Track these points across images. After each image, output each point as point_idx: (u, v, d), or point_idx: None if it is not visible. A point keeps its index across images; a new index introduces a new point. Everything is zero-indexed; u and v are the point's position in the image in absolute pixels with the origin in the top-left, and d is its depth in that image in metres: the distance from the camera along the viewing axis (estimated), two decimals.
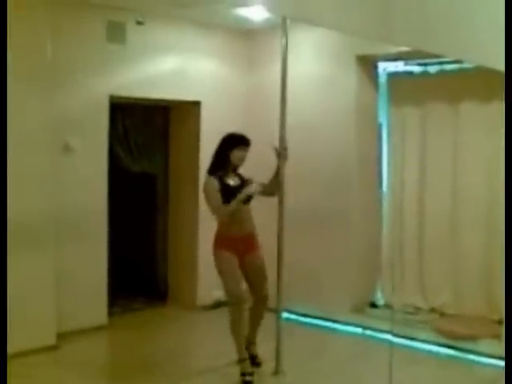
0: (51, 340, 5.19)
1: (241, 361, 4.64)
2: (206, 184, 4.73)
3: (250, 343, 4.87)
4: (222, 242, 4.70)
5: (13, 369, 4.49)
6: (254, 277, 4.78)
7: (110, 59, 5.78)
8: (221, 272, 4.68)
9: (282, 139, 4.75)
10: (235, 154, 4.71)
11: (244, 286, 4.75)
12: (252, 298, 4.85)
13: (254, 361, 4.85)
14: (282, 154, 4.74)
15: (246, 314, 4.79)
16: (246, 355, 4.69)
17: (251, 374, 4.60)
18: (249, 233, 4.77)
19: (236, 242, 4.68)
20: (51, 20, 5.10)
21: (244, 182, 4.76)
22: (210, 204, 4.70)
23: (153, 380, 4.70)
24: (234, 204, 4.58)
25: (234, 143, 4.72)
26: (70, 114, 5.52)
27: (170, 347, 5.44)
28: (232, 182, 4.73)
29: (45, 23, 5.07)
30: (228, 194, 4.62)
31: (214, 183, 4.65)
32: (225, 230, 4.70)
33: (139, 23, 5.84)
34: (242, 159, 4.76)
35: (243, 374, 4.60)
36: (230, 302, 4.68)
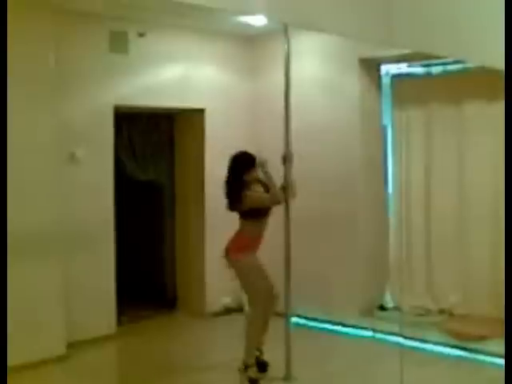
0: (61, 350, 5.21)
1: (248, 367, 4.66)
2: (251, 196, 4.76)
3: (258, 349, 4.86)
4: (248, 245, 4.75)
5: (23, 379, 4.54)
6: (266, 275, 4.83)
7: (113, 69, 5.81)
8: (254, 274, 4.72)
9: (287, 145, 4.75)
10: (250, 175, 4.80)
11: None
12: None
13: (264, 367, 4.86)
14: (287, 159, 4.75)
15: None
16: (254, 361, 4.72)
17: (260, 379, 4.65)
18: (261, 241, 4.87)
19: (257, 247, 4.79)
20: (54, 30, 5.14)
21: (266, 186, 4.82)
22: (261, 199, 4.77)
23: None
24: (274, 186, 4.71)
25: (246, 162, 4.79)
26: (75, 124, 5.56)
27: (179, 355, 5.45)
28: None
29: (48, 34, 5.10)
30: (259, 209, 4.73)
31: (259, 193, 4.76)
32: (252, 234, 4.78)
33: (141, 35, 5.88)
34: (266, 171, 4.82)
35: (252, 381, 4.61)
36: (258, 301, 4.71)
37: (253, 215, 4.74)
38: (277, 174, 4.77)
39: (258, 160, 4.77)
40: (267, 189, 4.79)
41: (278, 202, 4.76)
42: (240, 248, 4.74)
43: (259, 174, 4.78)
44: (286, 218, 4.78)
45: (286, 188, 4.74)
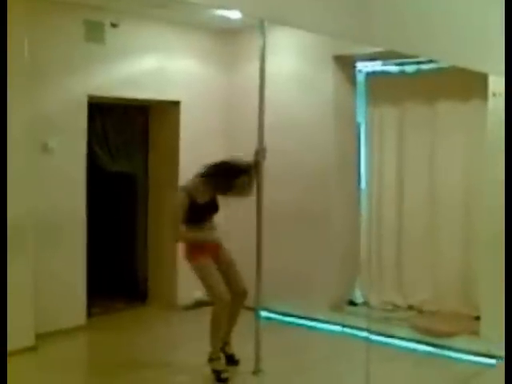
0: (30, 341, 5.16)
1: (213, 359, 4.69)
2: (176, 200, 4.73)
3: (225, 343, 4.87)
4: (195, 249, 4.74)
5: None
6: (230, 272, 4.82)
7: (88, 59, 5.76)
8: (202, 278, 4.72)
9: (260, 139, 4.76)
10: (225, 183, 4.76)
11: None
12: (230, 294, 4.85)
13: (232, 359, 4.88)
14: (260, 154, 4.75)
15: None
16: (219, 354, 4.74)
17: (227, 371, 4.67)
18: (217, 238, 4.84)
19: (210, 247, 4.75)
20: (28, 18, 5.07)
21: (216, 196, 4.80)
22: (171, 221, 4.76)
23: (132, 379, 4.69)
24: (189, 237, 4.73)
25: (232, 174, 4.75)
26: (48, 113, 5.50)
27: (149, 347, 5.44)
28: (201, 199, 4.70)
29: (21, 21, 5.01)
30: (200, 213, 4.70)
31: (182, 201, 4.65)
32: (199, 237, 4.75)
33: (114, 26, 5.83)
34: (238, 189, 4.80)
35: (218, 372, 4.63)
36: (215, 303, 4.71)
37: (191, 219, 4.68)
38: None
39: (257, 148, 4.71)
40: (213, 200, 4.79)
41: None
42: (189, 249, 4.77)
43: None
44: (258, 212, 4.79)
45: (254, 179, 4.74)
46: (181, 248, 4.96)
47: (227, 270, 4.81)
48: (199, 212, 4.69)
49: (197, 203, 4.67)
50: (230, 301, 4.66)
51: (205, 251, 4.71)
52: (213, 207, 4.82)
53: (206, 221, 4.79)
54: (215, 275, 4.70)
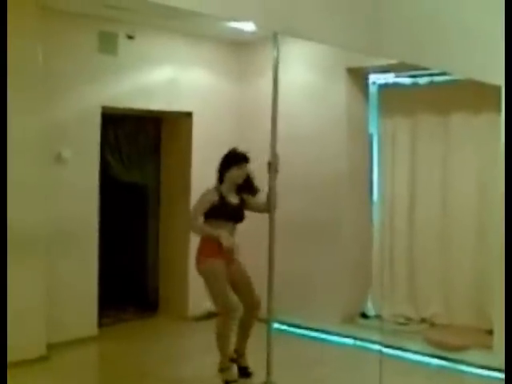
0: (41, 351, 5.17)
1: (223, 369, 4.68)
2: (203, 193, 4.75)
3: (239, 355, 4.87)
4: (210, 249, 4.66)
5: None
6: (243, 284, 4.79)
7: (101, 70, 5.80)
8: (211, 281, 4.65)
9: (273, 152, 4.74)
10: (233, 173, 4.77)
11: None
12: (243, 307, 4.84)
13: (246, 371, 4.87)
14: (273, 167, 4.72)
15: (235, 326, 4.82)
16: (229, 365, 4.72)
17: (236, 381, 4.66)
18: (234, 242, 4.76)
19: (223, 250, 4.64)
20: (43, 29, 5.11)
21: (243, 203, 4.83)
22: (192, 210, 4.76)
23: None
24: (206, 230, 4.67)
25: (231, 162, 4.77)
26: (62, 124, 5.53)
27: (160, 358, 5.43)
28: (233, 199, 4.77)
29: (36, 33, 5.07)
30: (226, 211, 4.69)
31: (210, 196, 4.69)
32: (210, 231, 4.68)
33: (130, 37, 5.88)
34: (241, 177, 4.80)
35: (227, 382, 4.64)
36: (220, 313, 4.67)
37: (214, 214, 4.68)
38: (261, 183, 4.78)
39: (269, 160, 4.61)
40: (242, 204, 4.80)
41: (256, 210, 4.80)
42: (203, 248, 4.72)
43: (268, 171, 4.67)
44: (271, 223, 4.77)
45: (269, 197, 4.65)
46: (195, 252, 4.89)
47: (240, 280, 4.78)
48: (225, 210, 4.68)
49: (226, 201, 4.71)
50: (239, 312, 4.63)
51: (218, 254, 4.62)
52: (238, 213, 4.80)
53: (229, 222, 4.74)
54: (223, 283, 4.62)
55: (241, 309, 4.73)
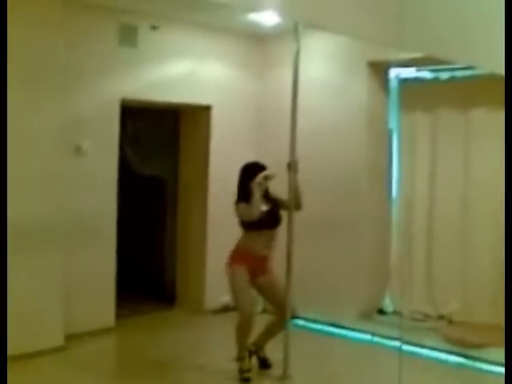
0: (59, 341, 5.20)
1: (239, 359, 4.73)
2: (236, 208, 4.73)
3: (259, 347, 4.92)
4: (239, 256, 4.72)
5: (20, 369, 4.54)
6: (273, 293, 4.84)
7: (121, 62, 5.80)
8: (234, 287, 4.72)
9: (293, 153, 4.72)
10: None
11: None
12: (273, 313, 4.91)
13: (265, 363, 4.93)
14: (292, 169, 4.71)
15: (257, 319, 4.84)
16: (245, 355, 4.77)
17: (249, 371, 4.71)
18: (266, 255, 4.80)
19: (253, 260, 4.71)
20: (64, 21, 5.12)
21: (276, 205, 4.82)
22: (239, 213, 4.72)
23: (159, 381, 4.70)
24: (254, 200, 4.58)
25: (251, 174, 4.72)
26: (81, 116, 5.54)
27: (176, 349, 5.44)
28: (263, 207, 4.73)
29: (58, 24, 5.08)
30: (259, 220, 4.66)
31: (243, 205, 4.69)
32: (246, 246, 4.73)
33: (154, 28, 5.87)
34: (264, 184, 4.76)
35: (241, 371, 4.69)
36: (239, 313, 4.73)
37: (245, 226, 4.73)
38: (281, 184, 4.76)
39: (289, 161, 4.67)
40: (274, 206, 4.79)
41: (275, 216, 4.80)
42: (231, 255, 4.77)
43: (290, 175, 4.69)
44: (289, 220, 4.76)
45: (290, 198, 4.69)
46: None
47: (267, 290, 4.84)
48: (258, 221, 4.66)
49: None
50: (253, 318, 4.68)
51: (243, 261, 4.69)
52: (271, 219, 4.77)
53: (265, 231, 4.74)
54: (243, 286, 4.69)
55: (254, 314, 4.78)
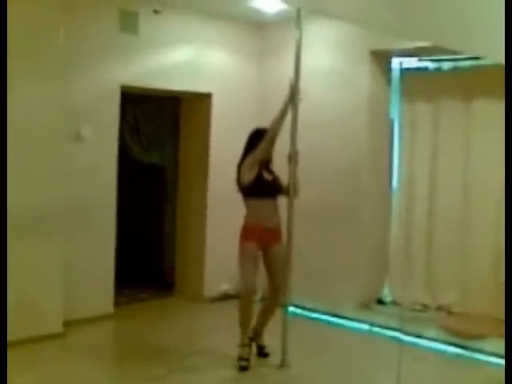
0: (58, 328, 5.20)
1: (241, 345, 4.72)
2: (241, 167, 4.77)
3: (256, 334, 4.91)
4: (247, 232, 4.74)
5: (20, 354, 4.56)
6: (271, 265, 4.83)
7: (122, 49, 5.76)
8: (240, 261, 4.74)
9: (293, 144, 4.71)
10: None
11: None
12: (268, 289, 4.89)
13: (262, 351, 4.92)
14: (293, 160, 4.71)
15: (256, 307, 4.86)
16: (247, 342, 4.75)
17: (247, 360, 4.69)
18: (276, 225, 4.82)
19: (262, 233, 4.72)
20: (64, 8, 5.08)
21: (275, 179, 4.85)
22: (245, 169, 4.75)
23: (157, 366, 4.70)
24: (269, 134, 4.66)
25: (259, 138, 4.73)
26: (81, 103, 5.51)
27: (175, 336, 5.45)
28: (266, 176, 4.78)
29: (57, 11, 5.05)
30: (261, 186, 4.70)
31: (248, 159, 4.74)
32: (253, 221, 4.74)
33: (156, 12, 5.82)
34: (270, 152, 4.79)
35: (240, 359, 4.68)
36: (241, 291, 4.74)
37: (247, 193, 4.73)
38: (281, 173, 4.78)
39: (289, 153, 4.70)
40: (274, 180, 4.82)
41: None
42: (240, 234, 4.78)
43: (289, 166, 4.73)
44: (289, 209, 4.76)
45: (289, 186, 4.74)
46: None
47: (270, 262, 4.83)
48: (262, 187, 4.71)
49: (263, 178, 4.74)
50: (253, 292, 4.70)
51: (252, 236, 4.70)
52: (275, 188, 4.81)
53: (270, 199, 4.75)
54: (250, 264, 4.69)
55: (255, 293, 4.81)
